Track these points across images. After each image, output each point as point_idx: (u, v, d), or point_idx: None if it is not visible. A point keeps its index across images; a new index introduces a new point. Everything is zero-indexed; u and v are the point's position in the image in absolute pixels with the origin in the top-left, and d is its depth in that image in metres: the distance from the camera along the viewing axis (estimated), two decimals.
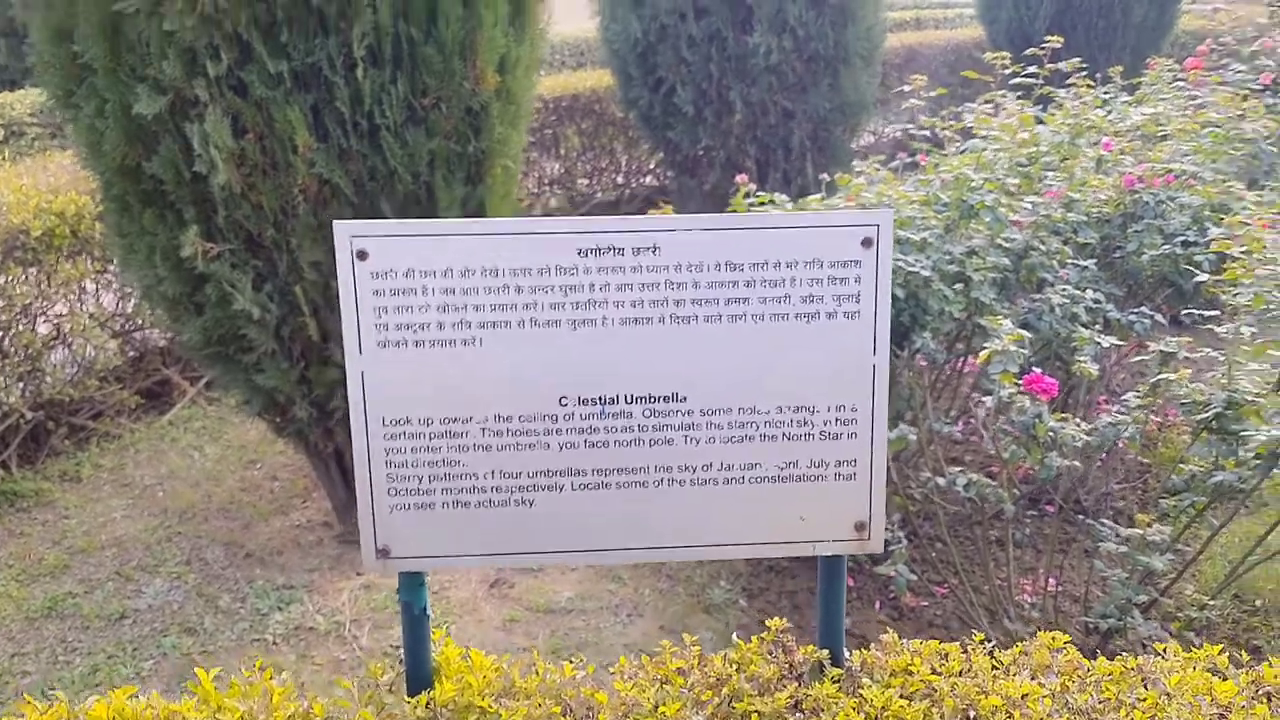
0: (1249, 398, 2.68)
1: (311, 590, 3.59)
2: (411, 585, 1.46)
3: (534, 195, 7.38)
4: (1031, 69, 4.15)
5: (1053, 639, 1.52)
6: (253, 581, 3.63)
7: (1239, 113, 4.44)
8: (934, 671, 1.43)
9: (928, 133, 4.09)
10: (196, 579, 3.66)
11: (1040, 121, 3.99)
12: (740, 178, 3.57)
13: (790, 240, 1.32)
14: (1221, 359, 2.84)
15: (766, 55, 5.83)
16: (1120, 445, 3.05)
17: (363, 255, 1.29)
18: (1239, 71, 5.58)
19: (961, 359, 3.76)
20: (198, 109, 3.11)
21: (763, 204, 3.62)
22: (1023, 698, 1.35)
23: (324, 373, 3.53)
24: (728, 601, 3.47)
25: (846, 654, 1.51)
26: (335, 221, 1.29)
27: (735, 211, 3.64)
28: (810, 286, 1.33)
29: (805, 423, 1.39)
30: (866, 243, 1.32)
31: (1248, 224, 3.25)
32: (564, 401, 1.38)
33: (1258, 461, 2.67)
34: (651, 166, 7.89)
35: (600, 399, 1.38)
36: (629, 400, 1.38)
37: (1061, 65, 4.35)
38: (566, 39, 9.82)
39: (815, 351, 1.36)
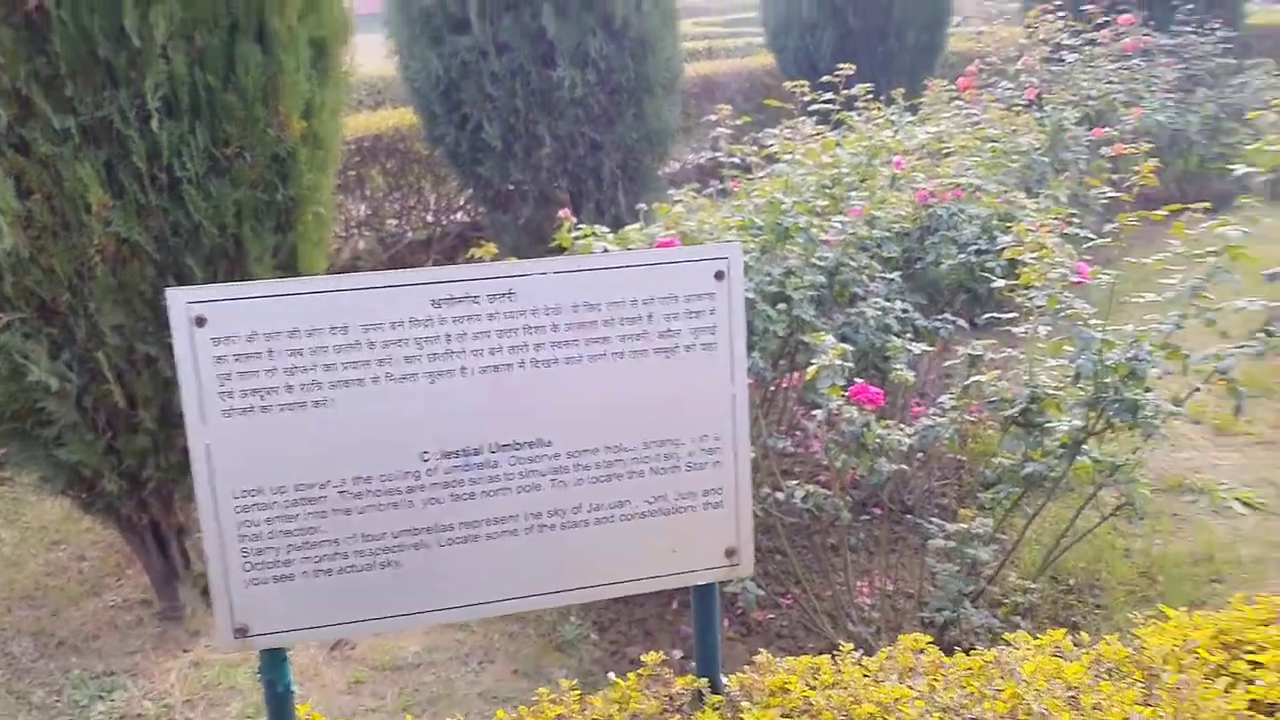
0: (1049, 392, 2.90)
1: (135, 674, 3.35)
2: (274, 663, 1.39)
3: (341, 239, 7.17)
4: (828, 96, 4.36)
5: (915, 640, 1.59)
6: (68, 672, 3.36)
7: (1013, 128, 4.81)
8: (809, 686, 1.47)
9: (736, 159, 4.23)
10: (4, 675, 3.35)
11: (838, 144, 4.19)
12: (562, 212, 3.59)
13: (645, 277, 1.34)
14: (1021, 357, 3.06)
15: (571, 88, 5.88)
16: (938, 445, 3.22)
17: (200, 321, 1.22)
18: (1007, 89, 6.05)
19: (786, 375, 3.89)
20: None
21: (585, 236, 3.64)
22: (895, 701, 1.41)
23: (133, 441, 3.31)
24: (580, 637, 3.45)
25: (724, 679, 1.53)
26: (168, 290, 1.22)
27: (560, 246, 3.65)
28: (667, 321, 1.35)
29: (671, 456, 1.40)
30: (719, 275, 1.36)
31: (1032, 230, 3.51)
32: (426, 456, 1.34)
33: (1062, 450, 2.89)
34: (462, 203, 7.81)
35: (464, 450, 1.35)
36: (493, 449, 1.36)
37: (853, 90, 4.59)
38: (363, 79, 9.61)
39: (676, 385, 1.38)
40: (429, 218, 7.79)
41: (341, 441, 1.31)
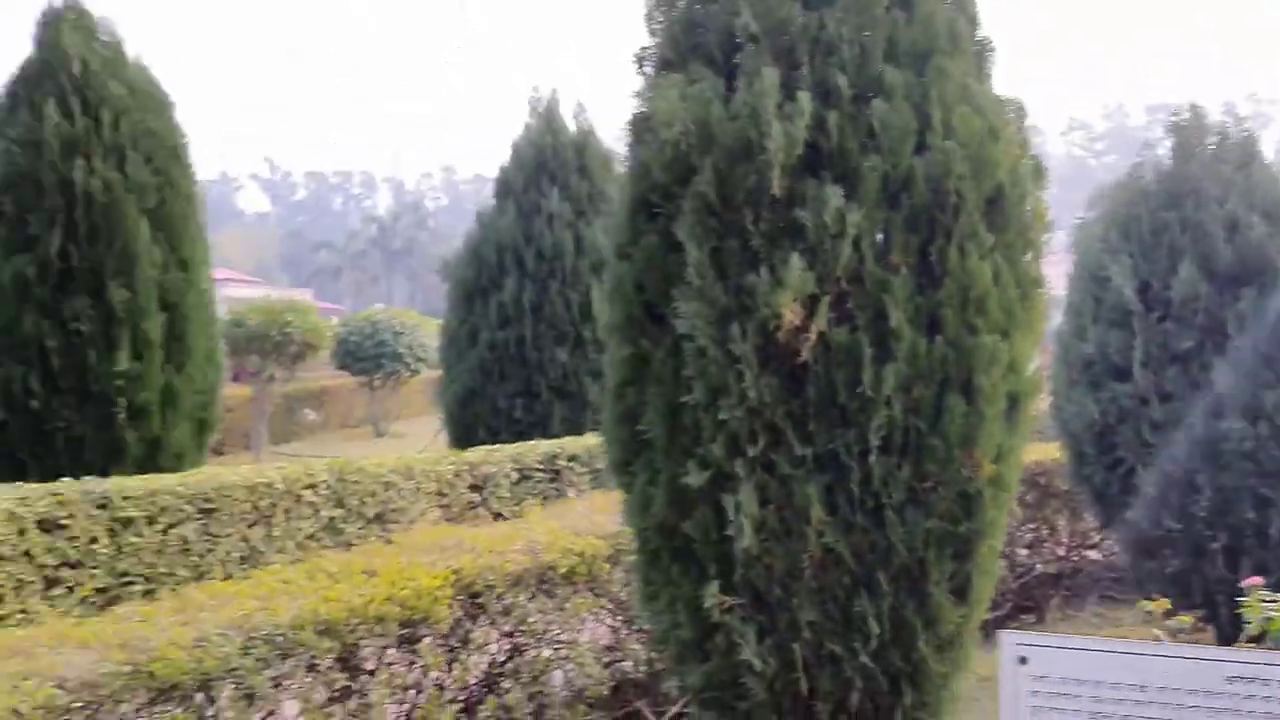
0: None
1: None
2: None
3: None
4: None
5: None
6: None
7: None
8: None
9: None
10: None
11: None
12: (1252, 580, 3.48)
13: None
14: None
15: (1240, 442, 5.69)
16: None
17: (1023, 660, 1.52)
18: None
19: None
20: (733, 483, 3.63)
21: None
22: None
23: None
24: None
25: None
26: (1000, 631, 1.55)
27: (1239, 611, 3.52)
28: None
29: None
30: None
31: None
32: None
33: None
34: (1096, 540, 7.69)
35: None
36: None
37: None
38: None
39: None
40: (1060, 551, 7.75)
41: None
